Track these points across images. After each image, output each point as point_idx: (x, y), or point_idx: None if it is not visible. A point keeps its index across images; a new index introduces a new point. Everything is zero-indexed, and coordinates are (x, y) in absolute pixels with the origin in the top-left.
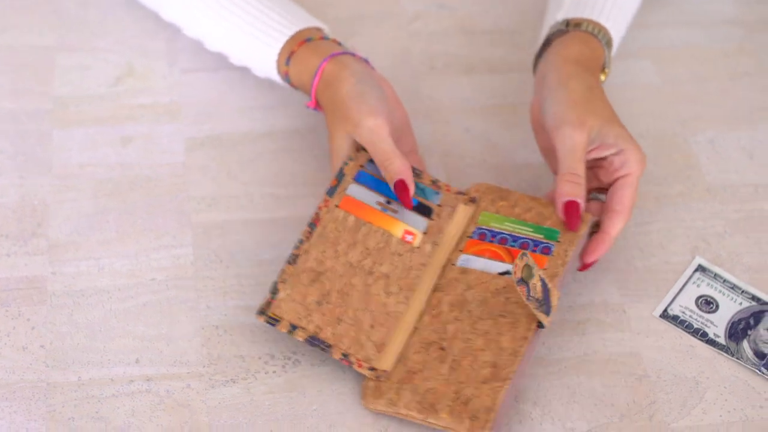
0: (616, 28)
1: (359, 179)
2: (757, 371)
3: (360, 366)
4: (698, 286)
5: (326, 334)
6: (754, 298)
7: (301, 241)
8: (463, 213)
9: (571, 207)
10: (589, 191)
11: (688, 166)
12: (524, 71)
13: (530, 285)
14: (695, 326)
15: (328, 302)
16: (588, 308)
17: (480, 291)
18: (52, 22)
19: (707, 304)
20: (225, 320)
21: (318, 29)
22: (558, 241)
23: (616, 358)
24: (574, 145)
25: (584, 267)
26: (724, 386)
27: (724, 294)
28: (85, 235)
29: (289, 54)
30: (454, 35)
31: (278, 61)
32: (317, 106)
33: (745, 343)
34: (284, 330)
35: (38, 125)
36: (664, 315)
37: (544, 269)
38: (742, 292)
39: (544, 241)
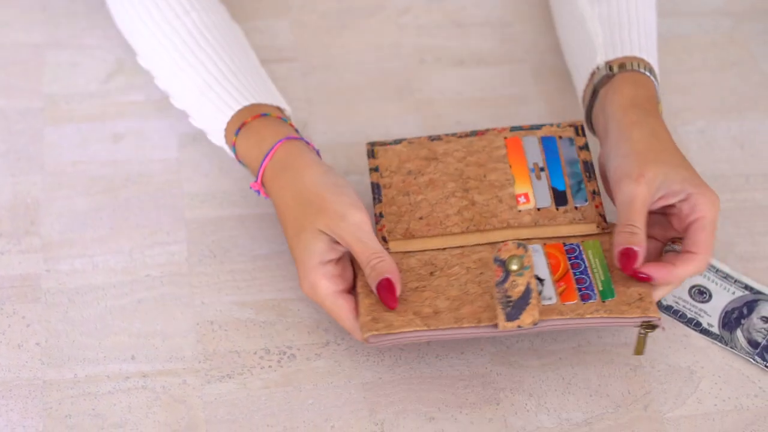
0: (654, 60)
1: (544, 141)
2: (751, 360)
3: (380, 230)
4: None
5: (387, 193)
6: (747, 287)
7: (454, 134)
8: (585, 228)
9: (624, 253)
10: (665, 242)
11: None
12: (515, 63)
13: (511, 277)
14: (689, 316)
15: (415, 178)
16: None
17: None
18: (40, 19)
19: (700, 293)
20: (220, 316)
21: (278, 108)
22: (602, 301)
23: (610, 348)
24: (631, 198)
25: (622, 263)
26: (719, 375)
27: (717, 284)
28: (78, 233)
29: (240, 124)
30: (444, 28)
31: (227, 130)
32: (262, 188)
33: (738, 332)
34: (369, 165)
35: (29, 123)
36: (658, 305)
37: (563, 304)
38: (735, 281)
39: (595, 291)
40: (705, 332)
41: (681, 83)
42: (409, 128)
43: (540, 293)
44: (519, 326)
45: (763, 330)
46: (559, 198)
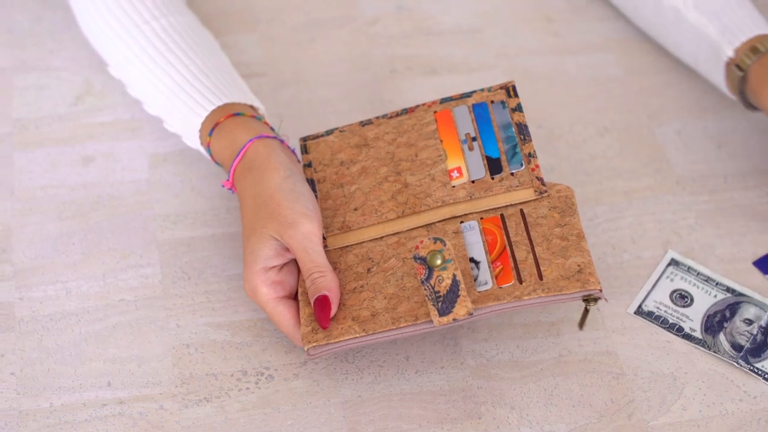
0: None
1: (476, 108)
2: (735, 364)
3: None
4: (672, 280)
5: (322, 187)
6: (728, 289)
7: (384, 115)
8: (522, 194)
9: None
10: None
11: (656, 158)
12: (486, 70)
13: (435, 273)
14: (671, 321)
15: (347, 168)
16: (561, 308)
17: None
18: (6, 41)
19: (682, 298)
20: (196, 338)
21: (252, 107)
22: (540, 279)
23: (592, 357)
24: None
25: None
26: (703, 381)
27: (698, 287)
28: (50, 259)
29: (213, 125)
30: (414, 36)
31: (201, 131)
32: (233, 187)
33: (721, 336)
34: (303, 161)
35: None
36: (639, 311)
37: (499, 287)
38: (717, 284)
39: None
40: (687, 337)
41: (655, 84)
42: None
43: (475, 279)
44: (454, 319)
45: (746, 333)
46: (494, 166)
